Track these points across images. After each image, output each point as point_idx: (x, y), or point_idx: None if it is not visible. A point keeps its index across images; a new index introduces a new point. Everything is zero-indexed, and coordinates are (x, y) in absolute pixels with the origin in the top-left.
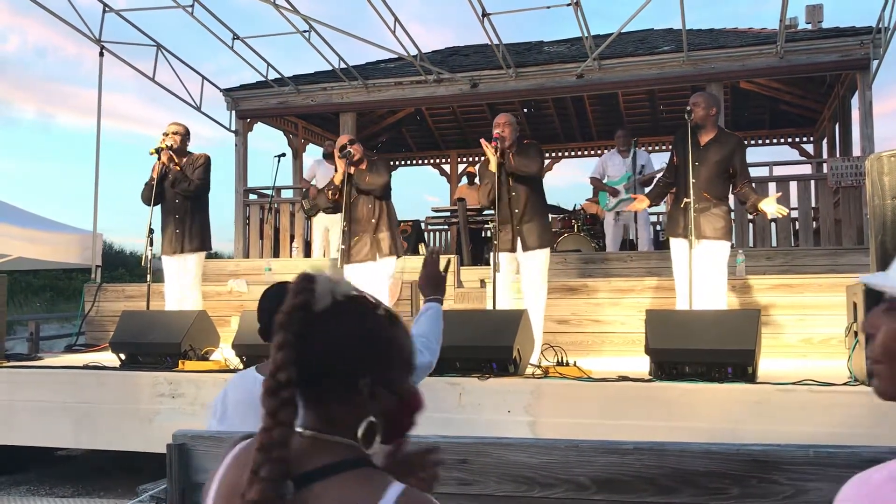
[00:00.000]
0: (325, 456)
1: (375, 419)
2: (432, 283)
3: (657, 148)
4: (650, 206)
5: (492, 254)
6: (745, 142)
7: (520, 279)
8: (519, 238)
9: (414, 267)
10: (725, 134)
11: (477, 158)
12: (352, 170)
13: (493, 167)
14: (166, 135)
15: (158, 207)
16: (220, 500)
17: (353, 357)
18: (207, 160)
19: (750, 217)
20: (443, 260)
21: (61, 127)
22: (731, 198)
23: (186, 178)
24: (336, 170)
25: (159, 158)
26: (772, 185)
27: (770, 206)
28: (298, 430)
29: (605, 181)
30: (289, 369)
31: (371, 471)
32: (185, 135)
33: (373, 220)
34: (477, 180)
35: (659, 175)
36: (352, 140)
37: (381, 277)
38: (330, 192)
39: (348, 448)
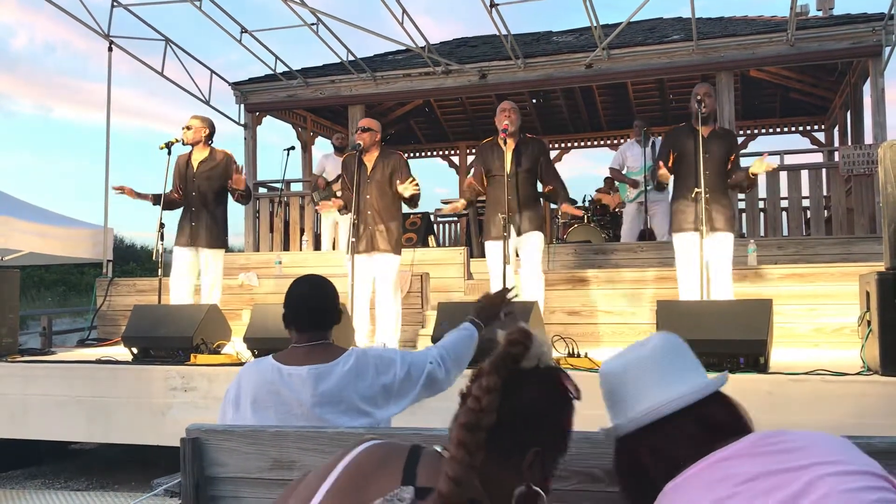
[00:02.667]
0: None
1: (528, 488)
2: (486, 310)
3: None
4: (655, 185)
5: (500, 245)
6: (756, 130)
7: (519, 271)
8: (512, 225)
9: (422, 259)
10: (724, 129)
11: None
12: (358, 157)
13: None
14: (186, 129)
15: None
16: (342, 487)
17: (537, 426)
18: (236, 164)
19: (761, 207)
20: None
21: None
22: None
23: (240, 192)
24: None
25: (169, 153)
26: (783, 174)
27: (760, 167)
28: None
29: (624, 171)
30: (493, 413)
31: None
32: (203, 127)
33: (383, 213)
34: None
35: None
36: (367, 127)
37: (389, 269)
38: (333, 201)
39: (480, 495)
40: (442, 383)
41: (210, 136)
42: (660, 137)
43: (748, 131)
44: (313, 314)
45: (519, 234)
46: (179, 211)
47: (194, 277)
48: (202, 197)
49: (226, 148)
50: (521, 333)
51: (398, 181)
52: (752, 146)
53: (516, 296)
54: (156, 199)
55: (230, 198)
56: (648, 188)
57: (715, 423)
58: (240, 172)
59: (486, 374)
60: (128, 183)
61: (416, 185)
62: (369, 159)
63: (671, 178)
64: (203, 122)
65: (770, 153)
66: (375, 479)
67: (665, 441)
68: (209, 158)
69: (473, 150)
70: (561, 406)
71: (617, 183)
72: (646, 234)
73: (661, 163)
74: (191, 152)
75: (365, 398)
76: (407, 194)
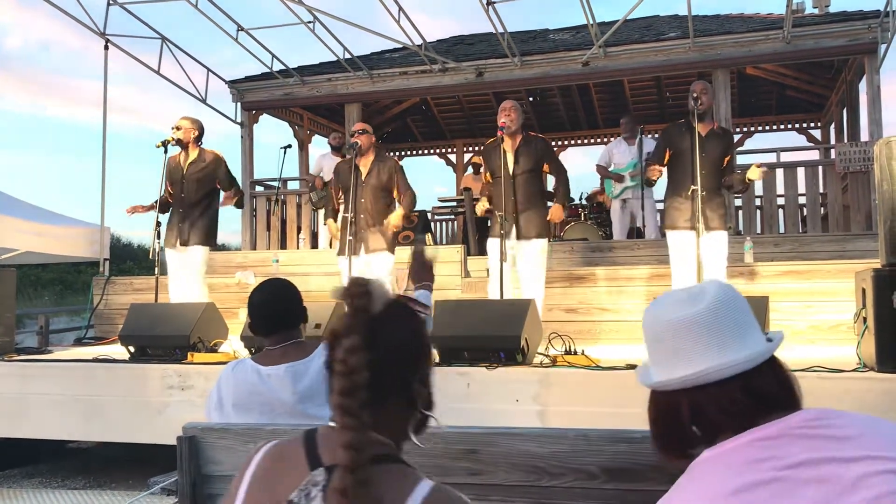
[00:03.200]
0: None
1: (420, 413)
2: (422, 272)
3: None
4: (646, 181)
5: (495, 243)
6: (752, 128)
7: (516, 270)
8: (515, 227)
9: None
10: (722, 129)
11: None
12: (355, 159)
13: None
14: (175, 129)
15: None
16: (254, 497)
17: (409, 359)
18: (226, 165)
19: (758, 204)
20: (431, 249)
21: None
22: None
23: (232, 197)
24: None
25: (166, 151)
26: (779, 171)
27: (755, 174)
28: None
29: (611, 169)
30: (364, 371)
31: (403, 467)
32: (192, 129)
33: (380, 213)
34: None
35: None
36: (362, 130)
37: (382, 268)
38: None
39: (385, 445)
40: None
41: (199, 137)
42: (648, 135)
43: (744, 129)
44: (280, 316)
45: (519, 237)
46: (169, 212)
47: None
48: (191, 198)
49: (222, 147)
50: (357, 284)
51: (395, 196)
52: (749, 144)
53: (422, 240)
54: (157, 206)
55: (221, 198)
56: (633, 184)
57: (763, 394)
58: (227, 189)
59: (344, 336)
60: (124, 181)
61: (405, 216)
62: (364, 163)
63: (664, 176)
64: (192, 124)
65: (766, 150)
66: (283, 477)
67: (708, 402)
68: (198, 159)
69: (470, 148)
70: (419, 328)
71: (603, 180)
72: (634, 232)
73: (654, 164)
74: (180, 153)
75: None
76: (392, 227)
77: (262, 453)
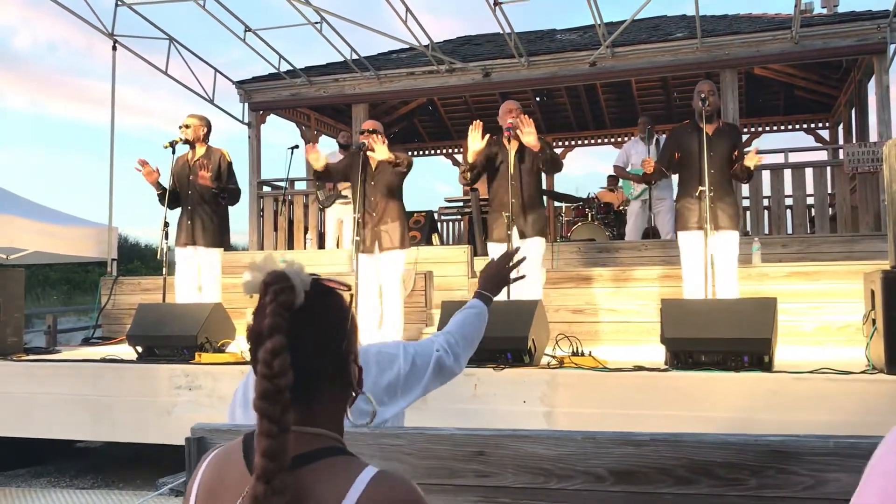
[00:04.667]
0: (300, 446)
1: (355, 393)
2: (493, 279)
3: None
4: (651, 178)
5: (504, 246)
6: (760, 128)
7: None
8: (516, 227)
9: (426, 257)
10: (728, 125)
11: None
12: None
13: (471, 159)
14: (181, 127)
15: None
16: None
17: (339, 341)
18: (230, 164)
19: (766, 205)
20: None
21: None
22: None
23: (227, 192)
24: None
25: (173, 152)
26: (787, 172)
27: (751, 160)
28: None
29: (628, 169)
30: (289, 373)
31: (346, 458)
32: (201, 126)
33: (388, 212)
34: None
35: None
36: (374, 129)
37: (395, 267)
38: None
39: (325, 438)
40: (452, 369)
41: (207, 135)
42: (664, 135)
43: (752, 129)
44: None
45: (522, 237)
46: (179, 210)
47: (198, 276)
48: (200, 196)
49: (229, 147)
50: (277, 277)
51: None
52: (757, 144)
53: (524, 258)
54: (162, 194)
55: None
56: (652, 185)
57: None
58: (205, 168)
59: (267, 338)
60: (132, 181)
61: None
62: (374, 159)
63: (675, 177)
64: (201, 121)
65: (774, 151)
66: (227, 485)
67: None
68: (206, 157)
69: None
70: (342, 306)
71: (621, 181)
72: (650, 233)
73: (658, 164)
74: (188, 152)
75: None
76: (380, 156)
77: (206, 464)
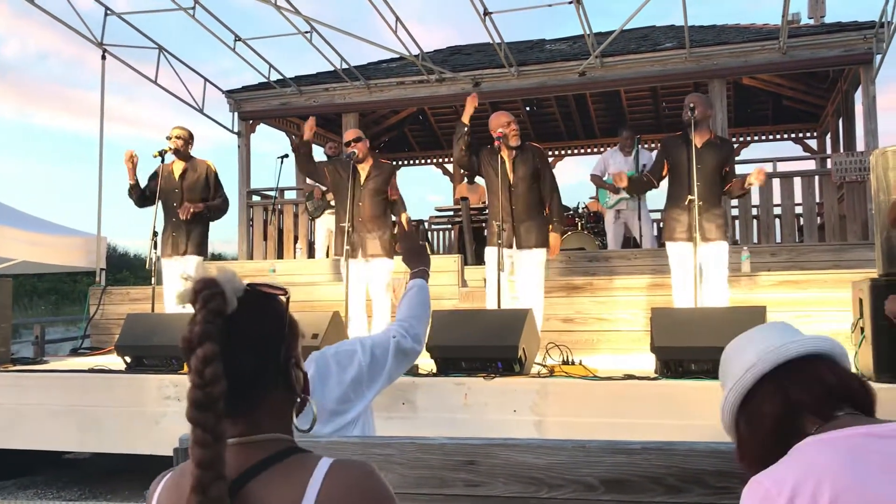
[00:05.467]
0: (253, 455)
1: (300, 398)
2: (413, 255)
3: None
4: (626, 188)
5: (492, 252)
6: (749, 138)
7: (513, 280)
8: (515, 236)
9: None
10: (720, 138)
11: None
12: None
13: (465, 119)
14: (169, 138)
15: (162, 211)
16: None
17: (277, 349)
18: (216, 174)
19: (754, 214)
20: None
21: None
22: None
23: (214, 209)
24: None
25: (163, 161)
26: (776, 181)
27: (755, 178)
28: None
29: (605, 178)
30: (221, 381)
31: (299, 456)
32: (189, 139)
33: (378, 219)
34: (478, 179)
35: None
36: (357, 137)
37: (384, 275)
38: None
39: (275, 442)
40: (414, 348)
41: (191, 147)
42: (645, 146)
43: (741, 138)
44: None
45: (519, 246)
46: (163, 222)
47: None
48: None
49: (218, 156)
50: (207, 284)
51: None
52: (745, 153)
53: (414, 225)
54: (134, 187)
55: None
56: (628, 196)
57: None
58: (214, 197)
59: (198, 345)
60: (122, 192)
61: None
62: (363, 168)
63: (663, 188)
64: (188, 133)
65: (762, 160)
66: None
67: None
68: (191, 169)
69: None
70: (279, 312)
71: (597, 189)
72: (631, 241)
73: (651, 176)
74: (172, 163)
75: (336, 399)
76: (404, 223)
77: (161, 487)
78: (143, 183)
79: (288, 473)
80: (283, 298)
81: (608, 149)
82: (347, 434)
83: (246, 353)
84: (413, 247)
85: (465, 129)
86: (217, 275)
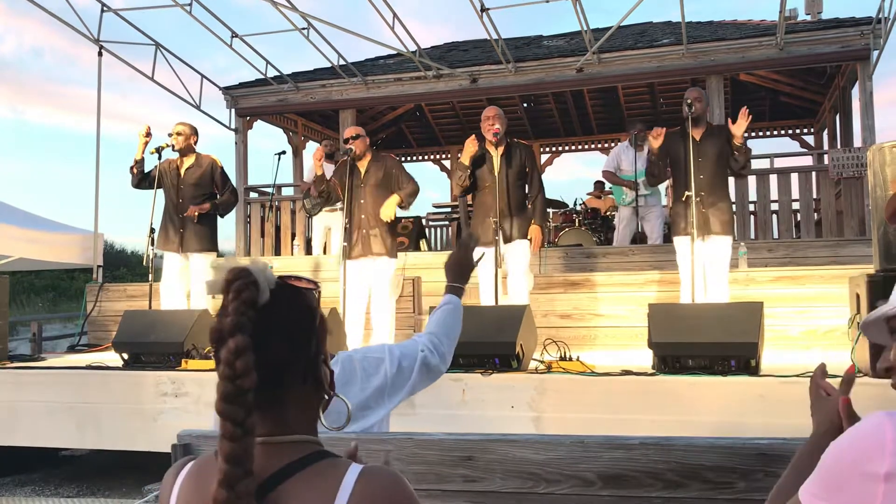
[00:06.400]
0: (282, 457)
1: (327, 395)
2: (458, 268)
3: None
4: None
5: (493, 248)
6: (746, 134)
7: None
8: (502, 231)
9: (414, 263)
10: (716, 127)
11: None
12: (350, 164)
13: (465, 160)
14: (171, 134)
15: (161, 205)
16: None
17: (308, 343)
18: (222, 169)
19: (751, 209)
20: (477, 252)
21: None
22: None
23: (225, 204)
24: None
25: (160, 157)
26: (773, 177)
27: (739, 127)
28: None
29: (618, 174)
30: (252, 374)
31: (329, 461)
32: (191, 134)
33: (378, 218)
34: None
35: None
36: (356, 135)
37: (385, 272)
38: (313, 188)
39: (304, 445)
40: (438, 367)
41: (196, 143)
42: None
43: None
44: None
45: (508, 240)
46: (162, 214)
47: (185, 283)
48: (191, 203)
49: (217, 152)
50: (240, 274)
51: (397, 191)
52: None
53: (478, 240)
54: (139, 168)
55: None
56: (648, 192)
57: None
58: (221, 191)
59: (229, 336)
60: (119, 188)
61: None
62: (362, 164)
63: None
64: (191, 129)
65: (760, 156)
66: (208, 496)
67: None
68: (196, 165)
69: None
70: (310, 305)
71: (610, 186)
72: (638, 238)
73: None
74: (177, 159)
75: (356, 405)
76: (385, 218)
77: (184, 475)
78: (147, 168)
79: (317, 479)
80: (314, 292)
81: (617, 143)
82: None
83: (278, 346)
84: (463, 260)
85: (467, 171)
86: (249, 265)
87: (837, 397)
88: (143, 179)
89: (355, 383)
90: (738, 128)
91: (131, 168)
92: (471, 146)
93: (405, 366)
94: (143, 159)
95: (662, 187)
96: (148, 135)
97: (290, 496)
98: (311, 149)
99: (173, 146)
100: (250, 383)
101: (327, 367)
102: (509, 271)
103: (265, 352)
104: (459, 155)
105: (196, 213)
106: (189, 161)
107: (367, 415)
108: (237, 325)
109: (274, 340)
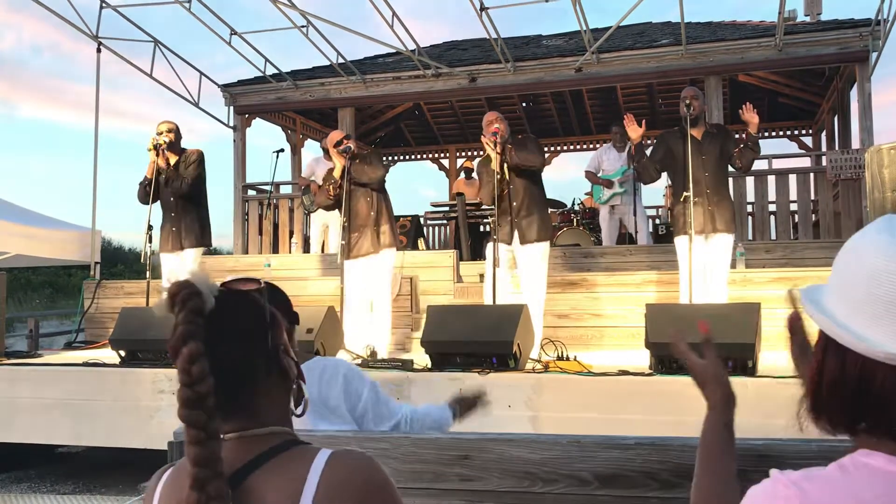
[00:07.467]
0: (253, 449)
1: (295, 384)
2: (465, 410)
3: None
4: (636, 169)
5: (490, 247)
6: (744, 135)
7: (517, 274)
8: (517, 231)
9: (411, 262)
10: (716, 126)
11: (476, 153)
12: (348, 163)
13: (494, 165)
14: (160, 133)
15: (158, 204)
16: None
17: (263, 340)
18: (200, 156)
19: (749, 210)
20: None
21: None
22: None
23: (179, 177)
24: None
25: (157, 154)
26: (771, 178)
27: (753, 118)
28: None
29: (599, 175)
30: (208, 378)
31: (299, 448)
32: (177, 131)
33: (372, 214)
34: (475, 175)
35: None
36: (347, 136)
37: (383, 270)
38: (331, 187)
39: (275, 435)
40: (399, 430)
41: (180, 138)
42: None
43: (736, 135)
44: None
45: (522, 241)
46: (161, 215)
47: None
48: (181, 201)
49: (214, 150)
50: (182, 286)
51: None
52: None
53: (489, 402)
54: (151, 183)
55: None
56: (622, 191)
57: None
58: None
59: (182, 345)
60: (117, 185)
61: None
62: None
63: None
64: (176, 126)
65: (758, 157)
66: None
67: None
68: (182, 162)
69: (463, 153)
70: (257, 304)
71: (591, 186)
72: (626, 237)
73: (648, 160)
74: (166, 158)
75: (331, 407)
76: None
77: (163, 483)
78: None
79: (287, 465)
80: (260, 290)
81: (603, 145)
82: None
83: (230, 348)
84: (469, 405)
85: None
86: (190, 276)
87: (712, 357)
88: (151, 193)
89: (336, 386)
90: (752, 117)
91: (144, 186)
92: (490, 149)
93: (384, 412)
94: (154, 178)
95: (642, 185)
96: (156, 148)
97: (260, 485)
98: (310, 146)
99: (167, 142)
100: (207, 388)
101: (290, 357)
102: (524, 277)
103: (220, 355)
104: (468, 161)
105: (165, 145)
106: (174, 159)
107: (333, 421)
108: (188, 334)
109: (226, 343)
